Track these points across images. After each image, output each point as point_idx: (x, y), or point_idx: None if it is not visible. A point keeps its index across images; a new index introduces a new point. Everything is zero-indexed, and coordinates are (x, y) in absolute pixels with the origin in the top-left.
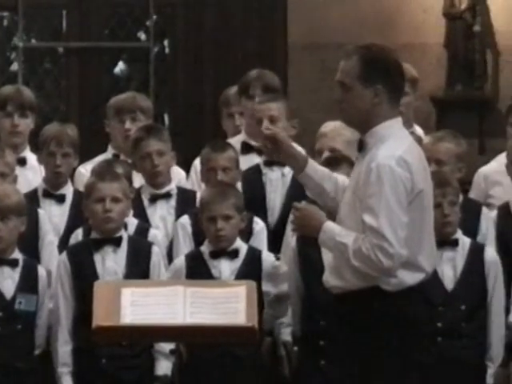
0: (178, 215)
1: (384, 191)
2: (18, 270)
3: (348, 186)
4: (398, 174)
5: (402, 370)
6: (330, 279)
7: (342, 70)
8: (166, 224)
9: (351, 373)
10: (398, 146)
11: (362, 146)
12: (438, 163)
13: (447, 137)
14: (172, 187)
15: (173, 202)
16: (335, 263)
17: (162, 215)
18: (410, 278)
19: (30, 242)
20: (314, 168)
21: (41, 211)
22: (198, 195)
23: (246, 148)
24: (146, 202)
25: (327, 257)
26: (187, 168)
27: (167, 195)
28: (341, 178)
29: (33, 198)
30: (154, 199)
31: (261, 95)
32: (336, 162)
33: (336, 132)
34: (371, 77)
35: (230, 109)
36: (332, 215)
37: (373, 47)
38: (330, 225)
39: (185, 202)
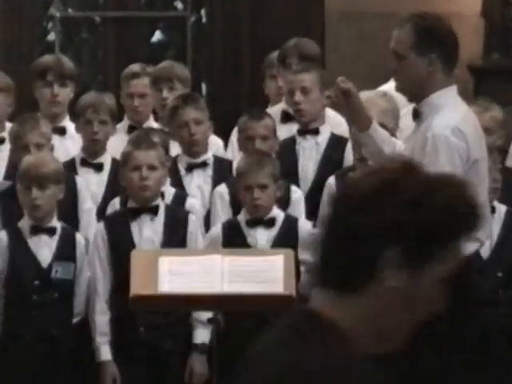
0: (215, 184)
1: (439, 161)
2: (56, 238)
3: (403, 154)
4: (454, 143)
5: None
6: None
7: (396, 39)
8: (202, 193)
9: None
10: (453, 115)
11: (417, 115)
12: (486, 132)
13: (491, 105)
14: (209, 156)
15: (209, 171)
16: None
17: (198, 184)
18: (464, 247)
19: (69, 210)
20: (376, 129)
21: (78, 178)
22: (235, 164)
23: (286, 117)
24: (182, 171)
25: None
26: (224, 137)
27: (204, 164)
28: (399, 143)
29: (71, 167)
30: (190, 168)
31: (297, 64)
32: None
33: (371, 102)
34: (425, 46)
35: (272, 71)
36: None
37: (427, 16)
38: None
39: (221, 171)
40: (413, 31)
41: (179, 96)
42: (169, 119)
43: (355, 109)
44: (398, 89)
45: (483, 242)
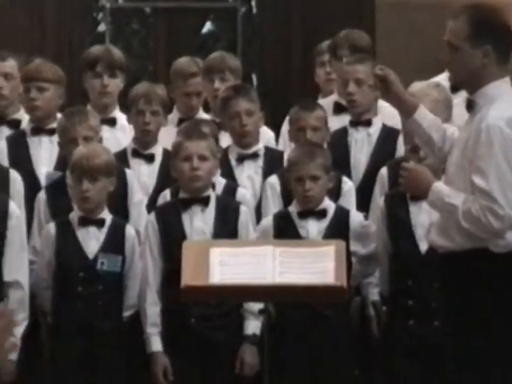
0: (266, 175)
1: (494, 152)
2: (104, 230)
3: (456, 146)
4: (508, 135)
5: (509, 329)
6: (436, 239)
7: (450, 30)
8: (253, 184)
9: (454, 333)
10: (507, 106)
11: (470, 106)
12: None
13: None
14: (259, 147)
15: (260, 162)
16: (443, 224)
17: (249, 175)
18: None
19: (119, 202)
20: (424, 115)
21: (128, 171)
22: (286, 155)
23: (338, 108)
24: (233, 162)
25: (422, 217)
26: (275, 128)
27: (255, 155)
28: (450, 128)
29: (122, 157)
30: (241, 159)
31: (348, 55)
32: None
33: (423, 92)
34: (480, 37)
35: (322, 58)
36: (437, 173)
37: (481, 6)
38: (439, 185)
39: (272, 162)
40: (467, 23)
41: (231, 87)
42: (220, 110)
43: (397, 95)
44: (452, 80)
45: None
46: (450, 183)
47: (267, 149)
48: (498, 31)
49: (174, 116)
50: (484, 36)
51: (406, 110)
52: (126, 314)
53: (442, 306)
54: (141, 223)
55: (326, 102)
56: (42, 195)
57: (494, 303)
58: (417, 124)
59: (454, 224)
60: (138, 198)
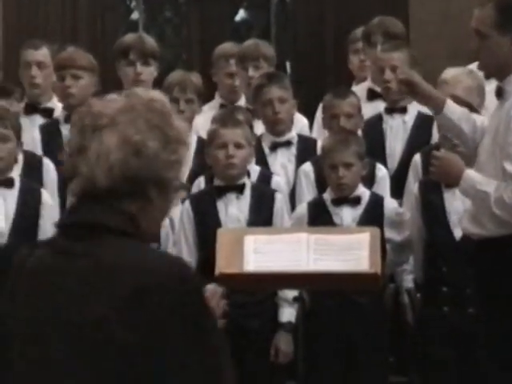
0: (299, 163)
1: None
2: None
3: (487, 133)
4: None
5: None
6: (469, 226)
7: (478, 18)
8: (286, 172)
9: (488, 319)
10: None
11: (500, 93)
12: None
13: None
14: (293, 135)
15: (293, 149)
16: (475, 211)
17: (282, 163)
18: None
19: None
20: (453, 108)
21: None
22: (319, 143)
23: (372, 95)
24: (266, 150)
25: (456, 203)
26: (309, 116)
27: (288, 143)
28: (479, 118)
29: None
30: (274, 147)
31: (382, 42)
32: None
33: (456, 79)
34: (508, 24)
35: (356, 45)
36: (469, 161)
37: None
38: (470, 173)
39: (305, 149)
40: (495, 10)
41: (264, 74)
42: (253, 97)
43: (424, 94)
44: (481, 67)
45: None
46: (481, 170)
47: (300, 136)
48: None
49: (216, 102)
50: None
51: (435, 106)
52: None
53: (476, 292)
54: (173, 211)
55: (360, 88)
56: None
57: None
58: (447, 118)
59: (486, 211)
60: None
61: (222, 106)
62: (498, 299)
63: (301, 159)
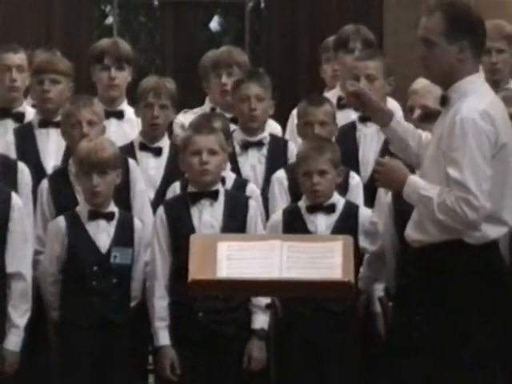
0: (269, 164)
1: (468, 144)
2: (114, 223)
3: (431, 140)
4: (482, 127)
5: (485, 321)
6: (411, 233)
7: (425, 26)
8: (255, 173)
9: (434, 325)
10: (481, 99)
11: (445, 101)
12: None
13: None
14: (265, 135)
15: (264, 150)
16: (418, 217)
17: (252, 164)
18: (493, 231)
19: (122, 193)
20: (399, 123)
21: (131, 161)
22: (291, 146)
23: (342, 103)
24: (237, 149)
25: None
26: (282, 122)
27: (259, 143)
28: (424, 134)
29: (129, 150)
30: (245, 147)
31: (360, 49)
32: (429, 117)
33: (427, 89)
34: (456, 32)
35: (328, 54)
36: (414, 171)
37: (456, 3)
38: (414, 179)
39: (276, 151)
40: (443, 18)
41: (245, 71)
42: (232, 92)
43: (372, 107)
44: (427, 76)
45: (511, 226)
46: (425, 177)
47: (272, 137)
48: (473, 26)
49: (206, 107)
50: (460, 31)
51: (382, 119)
52: (132, 304)
53: (421, 300)
54: (144, 213)
55: (330, 95)
56: (44, 184)
57: (469, 295)
58: (394, 132)
59: (429, 216)
60: (140, 187)
61: (212, 109)
62: (443, 306)
63: (271, 161)
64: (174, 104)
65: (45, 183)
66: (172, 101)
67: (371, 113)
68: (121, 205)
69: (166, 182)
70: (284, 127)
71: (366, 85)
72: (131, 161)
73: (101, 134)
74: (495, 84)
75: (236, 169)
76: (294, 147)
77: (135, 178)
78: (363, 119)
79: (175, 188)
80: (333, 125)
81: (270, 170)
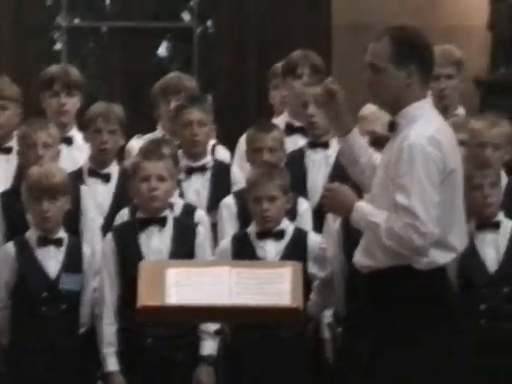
0: (213, 189)
1: (416, 170)
2: (63, 249)
3: (379, 166)
4: (430, 153)
5: (433, 349)
6: (360, 259)
7: (373, 52)
8: (199, 198)
9: (382, 351)
10: (429, 125)
11: (393, 127)
12: (495, 147)
13: (499, 120)
14: (208, 160)
15: (208, 175)
16: (366, 243)
17: (196, 189)
18: (441, 257)
19: (73, 219)
20: (355, 137)
21: (83, 187)
22: (235, 170)
23: (290, 129)
24: (181, 175)
25: None
26: (230, 148)
27: (203, 168)
28: (375, 155)
29: (78, 176)
30: (189, 172)
31: (308, 75)
32: (378, 143)
33: (375, 115)
34: (404, 58)
35: (277, 81)
36: (360, 193)
37: (403, 28)
38: (361, 204)
39: (220, 175)
40: (391, 43)
41: (186, 96)
42: (173, 118)
43: (337, 111)
44: (375, 102)
45: (459, 253)
46: (373, 202)
47: (216, 162)
48: (421, 51)
49: (159, 133)
50: (407, 56)
51: (342, 129)
52: (80, 331)
53: (369, 325)
54: (95, 240)
55: (277, 121)
56: None
57: (417, 320)
58: (348, 144)
59: (377, 242)
60: (91, 215)
61: (163, 136)
62: (393, 330)
63: (215, 185)
64: (122, 129)
65: None
66: (121, 126)
67: (333, 118)
68: (71, 231)
69: (115, 208)
70: (232, 153)
71: (315, 110)
72: (83, 187)
73: (55, 157)
74: (444, 110)
75: (180, 194)
76: (237, 172)
77: (87, 205)
78: (311, 145)
79: (124, 214)
80: (281, 151)
81: (214, 195)
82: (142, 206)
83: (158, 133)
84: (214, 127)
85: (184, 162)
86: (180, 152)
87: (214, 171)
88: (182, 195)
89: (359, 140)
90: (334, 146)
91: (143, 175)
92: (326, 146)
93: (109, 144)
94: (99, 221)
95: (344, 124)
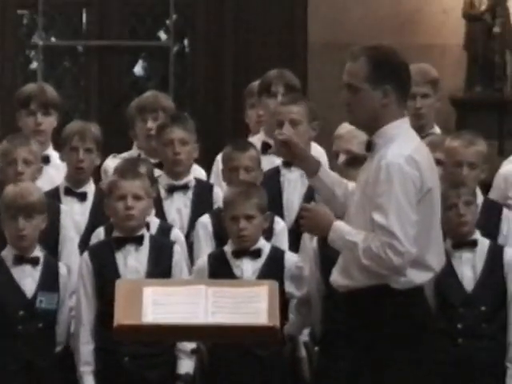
0: (194, 208)
1: (394, 189)
2: (39, 268)
3: (357, 186)
4: (407, 172)
5: (412, 368)
6: (338, 279)
7: (349, 71)
8: (181, 216)
9: (361, 370)
10: (406, 145)
11: (370, 147)
12: (471, 166)
13: (475, 139)
14: (190, 179)
15: (190, 194)
16: (344, 262)
17: (178, 208)
18: (418, 276)
19: (51, 238)
20: (326, 172)
21: (63, 207)
22: (216, 190)
23: (266, 148)
24: (162, 193)
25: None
26: (206, 166)
27: (185, 187)
28: (351, 184)
29: (54, 195)
30: (171, 190)
31: (283, 94)
32: (355, 162)
33: (351, 134)
34: (380, 77)
35: (252, 100)
36: (341, 219)
37: (380, 48)
38: (339, 224)
39: (202, 194)
40: (367, 63)
41: (169, 115)
42: (156, 136)
43: (301, 156)
44: (352, 122)
45: (437, 272)
46: (350, 222)
47: (198, 181)
48: (397, 71)
49: (134, 152)
50: (384, 76)
51: (310, 168)
52: (57, 349)
53: (348, 345)
54: (72, 259)
55: (254, 140)
56: None
57: (394, 339)
58: (321, 181)
59: (354, 262)
60: (70, 235)
61: (138, 155)
62: (370, 349)
63: (197, 204)
64: (99, 148)
65: None
66: (97, 145)
67: (299, 162)
68: (49, 250)
69: (91, 227)
70: (208, 172)
71: (290, 129)
72: (63, 207)
73: (37, 173)
74: (420, 129)
75: (161, 212)
76: (219, 191)
77: (65, 225)
78: (287, 164)
79: (99, 233)
80: (258, 170)
81: (196, 214)
82: (119, 224)
83: (134, 152)
84: (197, 146)
85: (166, 181)
86: (159, 171)
87: (196, 190)
88: (163, 214)
89: (330, 174)
90: None
91: (119, 194)
92: None
93: (85, 163)
94: (77, 240)
95: (310, 164)
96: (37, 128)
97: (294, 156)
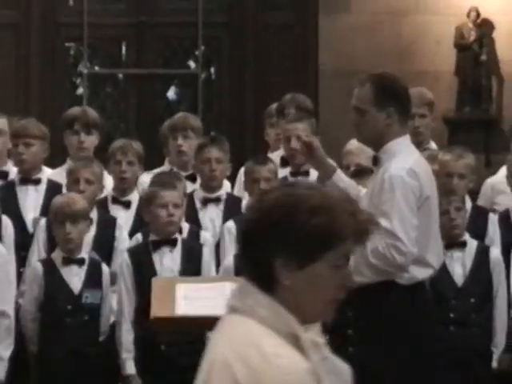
0: (225, 218)
1: (396, 198)
2: (85, 267)
3: (365, 195)
4: (408, 182)
5: (415, 354)
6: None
7: (357, 96)
8: (214, 225)
9: (372, 357)
10: (407, 159)
11: (376, 161)
12: (460, 177)
13: (465, 153)
14: (222, 193)
15: (222, 206)
16: (355, 262)
17: (211, 218)
18: (420, 273)
19: (105, 246)
20: (341, 177)
21: (119, 221)
22: (244, 201)
23: (285, 162)
24: (198, 205)
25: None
26: (230, 179)
27: (217, 199)
28: (363, 190)
29: (103, 204)
30: (205, 202)
31: (294, 115)
32: (361, 173)
33: (360, 149)
34: (384, 101)
35: (271, 120)
36: None
37: (384, 75)
38: None
39: (232, 206)
40: (373, 89)
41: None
42: (195, 154)
43: (318, 159)
44: (360, 140)
45: (436, 269)
46: None
47: (229, 195)
48: (399, 95)
49: (165, 167)
50: (387, 100)
51: (326, 172)
52: (100, 339)
53: (357, 335)
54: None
55: (273, 156)
56: (42, 224)
57: (399, 329)
58: (334, 184)
59: (363, 261)
60: (123, 247)
61: (170, 169)
62: (379, 342)
63: (227, 215)
64: (140, 162)
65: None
66: (138, 159)
67: (317, 164)
68: (102, 256)
69: (134, 231)
70: (233, 184)
71: (296, 144)
72: (120, 221)
73: (98, 192)
74: (418, 145)
75: (197, 221)
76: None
77: (121, 237)
78: (294, 174)
79: (137, 237)
80: (275, 181)
81: None
82: (159, 229)
83: (166, 167)
84: (230, 165)
85: (201, 194)
86: (194, 185)
87: (227, 202)
88: (198, 222)
89: (345, 179)
90: (314, 173)
91: (162, 203)
92: (306, 174)
93: (128, 173)
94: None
95: (327, 167)
96: (80, 146)
97: (313, 157)
